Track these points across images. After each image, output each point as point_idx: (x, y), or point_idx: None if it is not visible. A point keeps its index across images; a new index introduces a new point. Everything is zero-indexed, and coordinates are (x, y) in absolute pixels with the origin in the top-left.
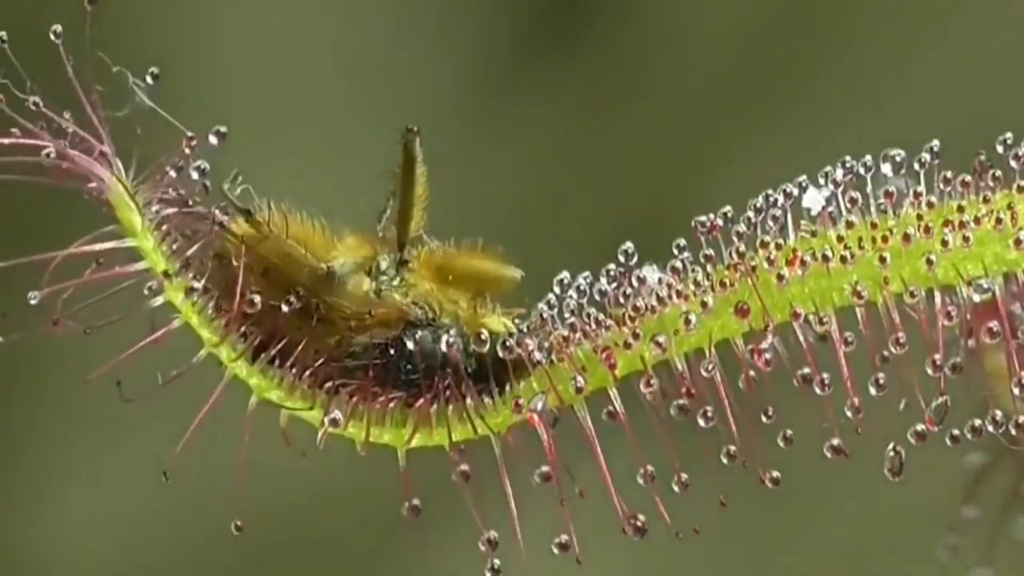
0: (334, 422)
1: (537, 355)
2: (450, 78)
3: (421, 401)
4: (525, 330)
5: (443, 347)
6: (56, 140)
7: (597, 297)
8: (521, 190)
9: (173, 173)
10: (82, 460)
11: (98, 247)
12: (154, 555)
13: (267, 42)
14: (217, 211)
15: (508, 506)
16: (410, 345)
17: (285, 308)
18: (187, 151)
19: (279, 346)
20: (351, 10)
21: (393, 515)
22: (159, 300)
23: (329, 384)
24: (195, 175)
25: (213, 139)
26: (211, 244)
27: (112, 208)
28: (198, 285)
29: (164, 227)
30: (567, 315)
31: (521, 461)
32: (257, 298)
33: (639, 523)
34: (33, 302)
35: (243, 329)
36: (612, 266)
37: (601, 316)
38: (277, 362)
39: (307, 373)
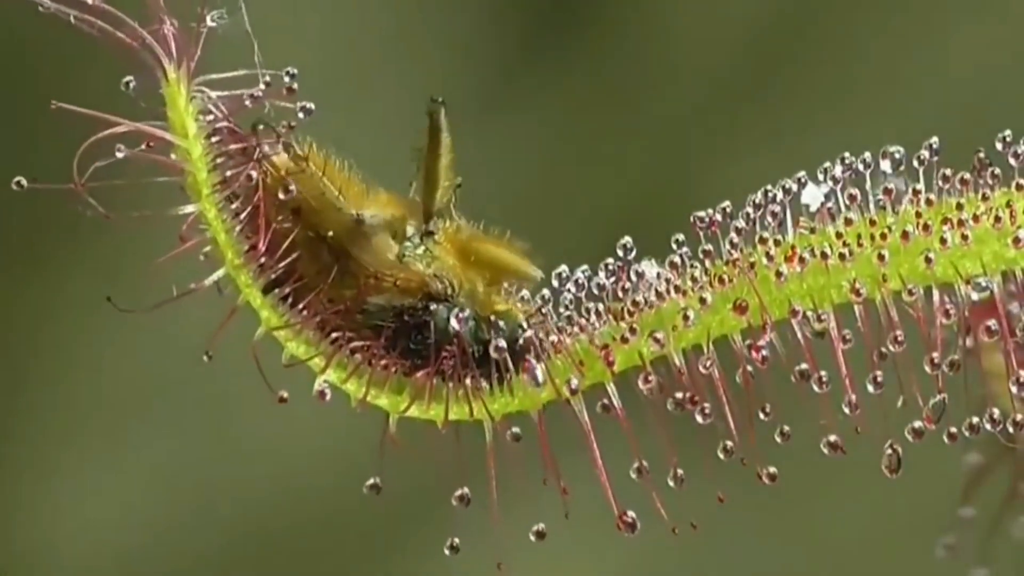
0: (322, 395)
1: (536, 347)
2: (453, 74)
3: (422, 373)
4: (525, 324)
5: (455, 325)
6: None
7: (595, 291)
8: (520, 184)
9: (247, 103)
10: (80, 460)
11: (156, 132)
12: (151, 555)
13: (278, 37)
14: (262, 139)
15: (500, 497)
16: (426, 317)
17: (311, 234)
18: (260, 87)
19: (295, 285)
20: (360, 7)
21: (385, 516)
22: (189, 208)
23: (336, 335)
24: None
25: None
26: (251, 170)
27: (168, 105)
28: (232, 206)
29: (212, 139)
30: (564, 309)
31: (512, 451)
32: (286, 222)
33: (629, 518)
34: (120, 155)
35: (263, 260)
36: (610, 260)
37: (599, 308)
38: (290, 301)
39: (316, 318)
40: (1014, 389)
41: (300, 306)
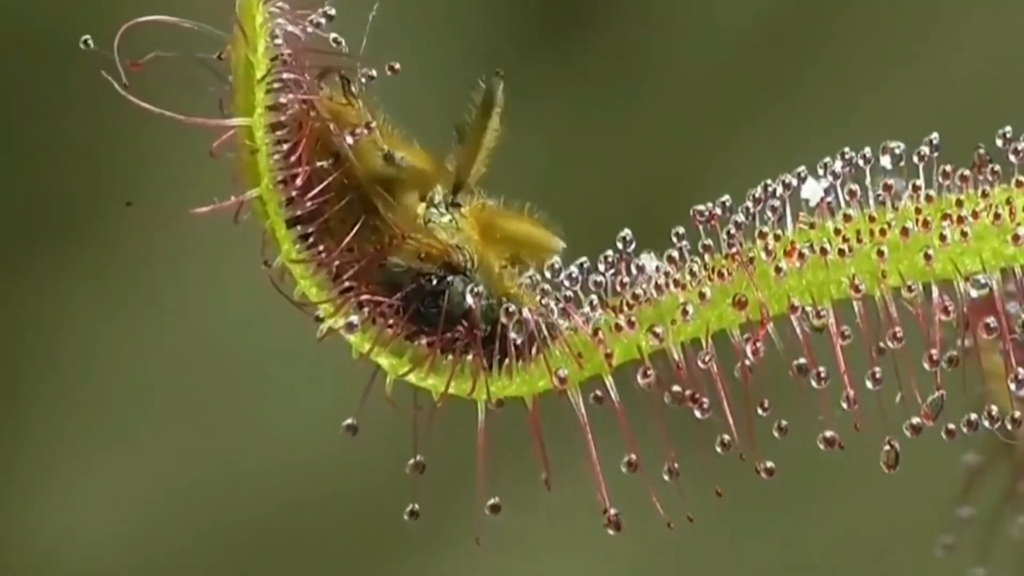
0: (350, 326)
1: (537, 336)
2: (452, 68)
3: (426, 341)
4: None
5: (470, 301)
6: None
7: (592, 286)
8: (521, 176)
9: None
10: (80, 460)
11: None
12: (150, 555)
13: None
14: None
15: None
16: (441, 287)
17: (345, 181)
18: (320, 20)
19: (317, 227)
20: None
21: (385, 515)
22: (238, 121)
23: (349, 285)
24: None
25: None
26: (305, 104)
27: (241, 17)
28: (276, 133)
29: (275, 63)
30: (561, 301)
31: (500, 435)
32: (324, 163)
33: (614, 516)
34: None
35: (293, 194)
36: (609, 252)
37: (594, 301)
38: (309, 241)
39: (334, 263)
40: (1012, 387)
41: (319, 248)
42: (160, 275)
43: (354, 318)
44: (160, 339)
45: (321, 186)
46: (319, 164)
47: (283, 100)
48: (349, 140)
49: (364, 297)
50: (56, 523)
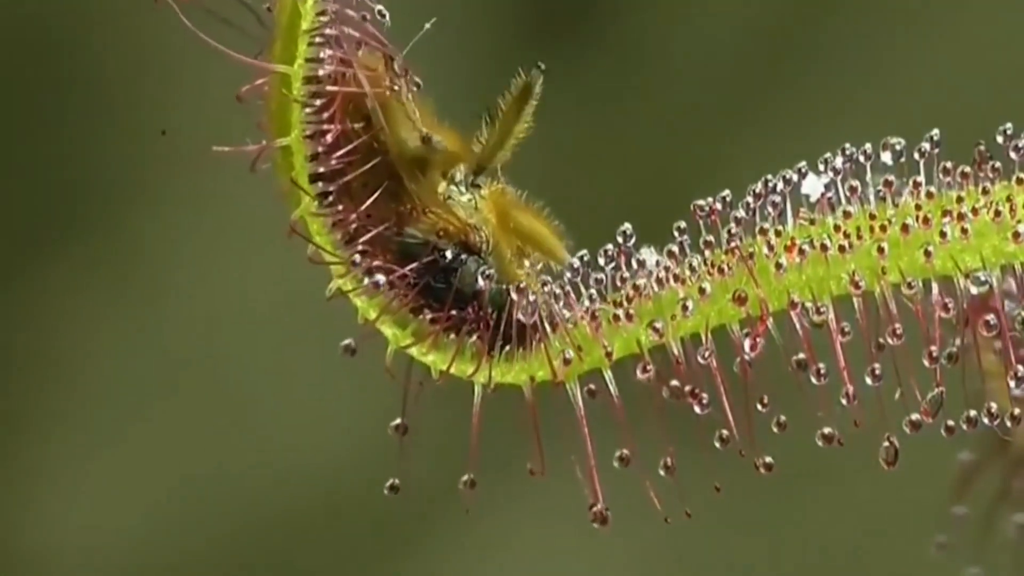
0: (375, 284)
1: (540, 325)
2: (456, 64)
3: (431, 316)
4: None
5: (481, 283)
6: None
7: (592, 282)
8: (522, 169)
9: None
10: (80, 459)
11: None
12: (150, 555)
13: None
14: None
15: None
16: (455, 264)
17: (375, 145)
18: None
19: (338, 187)
20: None
21: (386, 512)
22: (281, 67)
23: (363, 249)
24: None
25: None
26: (343, 62)
27: None
28: (314, 88)
29: (324, 15)
30: (561, 294)
31: (501, 439)
32: (354, 125)
33: (601, 511)
34: None
35: (319, 150)
36: (610, 246)
37: (594, 294)
38: (328, 200)
39: (351, 225)
40: (1012, 384)
41: (337, 208)
42: (161, 273)
43: (380, 277)
44: (160, 338)
45: (349, 147)
46: (350, 126)
47: (323, 55)
48: (404, 92)
49: (376, 263)
50: (56, 523)
